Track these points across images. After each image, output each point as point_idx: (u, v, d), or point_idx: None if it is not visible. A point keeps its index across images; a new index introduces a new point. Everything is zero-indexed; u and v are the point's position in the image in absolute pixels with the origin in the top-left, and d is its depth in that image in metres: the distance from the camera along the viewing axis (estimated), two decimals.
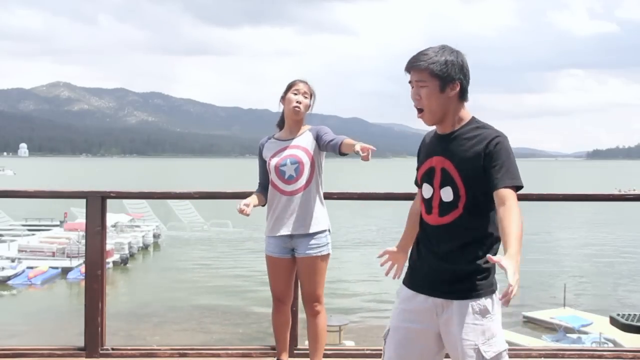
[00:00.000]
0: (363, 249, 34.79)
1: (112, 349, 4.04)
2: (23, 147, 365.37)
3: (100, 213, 4.03)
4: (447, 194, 2.29)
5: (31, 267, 29.28)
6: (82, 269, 17.55)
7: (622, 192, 4.83)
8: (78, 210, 35.23)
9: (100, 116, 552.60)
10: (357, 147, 3.12)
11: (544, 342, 18.57)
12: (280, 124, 3.62)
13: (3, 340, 15.99)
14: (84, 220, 4.21)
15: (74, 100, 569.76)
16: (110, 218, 29.77)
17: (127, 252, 32.98)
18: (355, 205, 44.36)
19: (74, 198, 5.57)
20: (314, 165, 3.51)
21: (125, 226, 38.01)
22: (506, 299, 2.03)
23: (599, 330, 18.28)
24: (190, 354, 4.02)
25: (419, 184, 2.45)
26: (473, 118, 2.35)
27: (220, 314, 21.86)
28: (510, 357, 4.08)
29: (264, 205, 3.60)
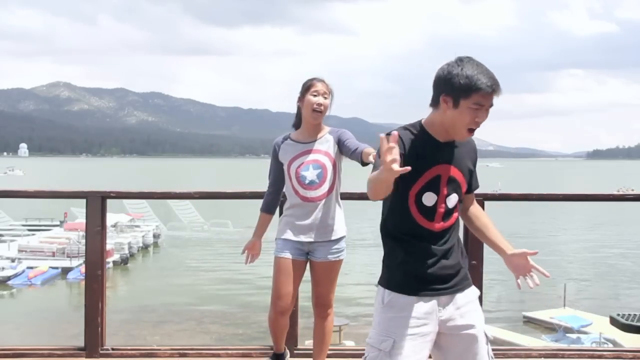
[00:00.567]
0: (363, 250, 34.79)
1: (112, 349, 4.04)
2: (23, 147, 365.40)
3: (100, 213, 4.03)
4: (452, 201, 2.35)
5: (31, 267, 29.31)
6: (82, 269, 17.55)
7: (622, 192, 4.83)
8: (78, 210, 35.22)
9: (100, 116, 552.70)
10: (370, 158, 3.05)
11: (544, 342, 18.57)
12: (297, 124, 3.48)
13: (3, 340, 15.98)
14: (84, 220, 4.21)
15: (74, 100, 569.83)
16: (110, 218, 29.76)
17: (127, 252, 32.99)
18: (356, 206, 44.34)
19: (74, 198, 5.58)
20: (336, 170, 3.42)
21: (125, 226, 38.02)
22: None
23: (599, 330, 18.28)
24: (190, 354, 4.02)
25: (410, 194, 2.33)
26: None
27: (220, 314, 21.87)
28: (510, 357, 4.11)
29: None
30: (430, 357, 2.39)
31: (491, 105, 2.27)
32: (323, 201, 3.38)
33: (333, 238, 3.44)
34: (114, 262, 30.69)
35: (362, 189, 4.00)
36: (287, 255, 3.40)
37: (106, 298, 4.11)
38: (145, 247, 36.62)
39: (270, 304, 3.48)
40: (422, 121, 2.35)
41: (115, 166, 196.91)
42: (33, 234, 36.80)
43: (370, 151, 3.15)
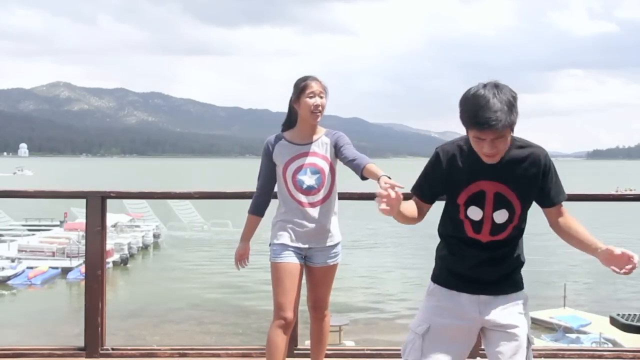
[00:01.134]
0: (363, 250, 34.80)
1: (112, 349, 4.05)
2: (23, 147, 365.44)
3: (100, 213, 4.04)
4: (501, 216, 2.43)
5: (31, 267, 29.30)
6: (82, 269, 17.56)
7: (620, 192, 4.84)
8: (78, 210, 35.23)
9: (100, 116, 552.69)
10: (382, 183, 2.77)
11: (543, 341, 18.58)
12: (289, 124, 3.37)
13: (3, 340, 15.99)
14: (84, 220, 4.22)
15: (74, 100, 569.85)
16: (110, 218, 29.77)
17: (126, 252, 32.99)
18: (356, 206, 44.31)
19: (74, 198, 5.58)
20: (333, 174, 3.34)
21: (125, 226, 38.03)
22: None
23: (599, 330, 18.28)
24: (190, 354, 4.02)
25: (459, 204, 2.45)
26: (513, 137, 2.38)
27: (220, 314, 21.87)
28: None
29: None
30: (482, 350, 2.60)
31: (497, 137, 2.28)
32: (321, 206, 3.28)
33: (331, 244, 3.35)
34: (114, 263, 30.69)
35: (362, 189, 4.01)
36: (289, 260, 3.26)
37: (106, 298, 4.11)
38: (145, 247, 36.62)
39: (274, 316, 3.29)
40: None
41: (115, 166, 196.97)
42: (33, 234, 36.80)
43: (374, 170, 3.07)
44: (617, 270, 2.36)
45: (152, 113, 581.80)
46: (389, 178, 2.87)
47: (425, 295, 2.58)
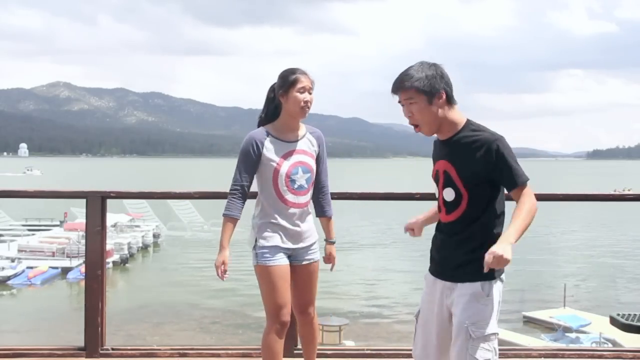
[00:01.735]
0: (363, 250, 34.80)
1: (112, 349, 4.05)
2: (23, 147, 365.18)
3: (100, 213, 4.04)
4: (448, 194, 2.56)
5: (31, 267, 29.32)
6: (82, 269, 17.55)
7: (618, 192, 4.84)
8: (78, 210, 35.23)
9: (100, 116, 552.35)
10: (326, 249, 3.30)
11: (543, 341, 18.58)
12: (270, 118, 3.22)
13: (3, 340, 16.00)
14: (84, 220, 4.22)
15: (73, 100, 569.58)
16: (110, 218, 29.77)
17: (126, 252, 32.99)
18: (356, 206, 44.35)
19: (74, 198, 5.58)
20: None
21: (125, 226, 38.04)
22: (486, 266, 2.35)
23: (599, 330, 18.28)
24: (190, 354, 4.02)
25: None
26: (468, 121, 2.56)
27: (220, 314, 21.87)
28: (510, 357, 4.11)
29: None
30: None
31: (408, 99, 2.52)
32: (307, 207, 3.24)
33: (313, 241, 3.29)
34: (114, 263, 30.70)
35: (362, 189, 4.00)
36: (281, 262, 3.16)
37: (106, 298, 4.11)
38: (144, 247, 36.63)
39: (270, 321, 3.20)
40: None
41: (115, 166, 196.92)
42: (33, 234, 36.82)
43: (330, 227, 3.38)
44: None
45: (152, 113, 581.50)
46: (333, 243, 3.40)
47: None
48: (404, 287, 25.36)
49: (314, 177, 3.22)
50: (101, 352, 4.01)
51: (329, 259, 3.40)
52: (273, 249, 3.15)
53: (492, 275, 2.52)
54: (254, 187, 3.24)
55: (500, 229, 2.56)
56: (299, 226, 3.19)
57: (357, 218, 43.89)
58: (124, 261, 32.31)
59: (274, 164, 3.12)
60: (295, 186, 3.14)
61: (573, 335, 19.47)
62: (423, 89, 2.48)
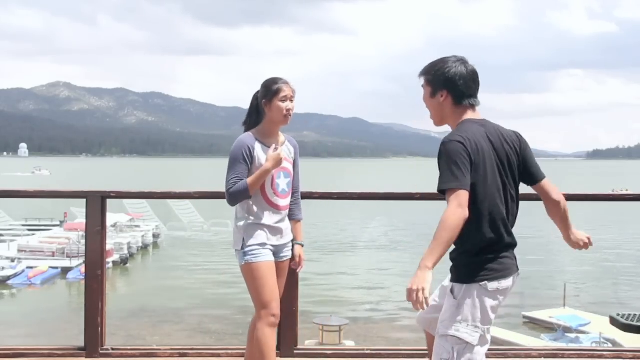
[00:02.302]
0: (363, 251, 34.81)
1: (112, 349, 4.05)
2: (23, 147, 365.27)
3: (100, 213, 4.04)
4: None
5: (31, 267, 29.30)
6: (82, 269, 17.55)
7: (616, 192, 4.84)
8: (78, 210, 35.23)
9: (100, 116, 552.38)
10: (295, 250, 3.48)
11: (543, 341, 18.58)
12: (254, 124, 3.38)
13: (3, 340, 15.99)
14: (84, 220, 4.22)
15: (73, 100, 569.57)
16: (110, 218, 29.78)
17: (126, 252, 32.99)
18: (356, 206, 44.34)
19: (74, 198, 5.58)
20: None
21: (125, 226, 38.04)
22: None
23: (599, 330, 18.28)
24: (190, 354, 4.02)
25: None
26: (462, 122, 2.61)
27: (220, 313, 21.86)
28: (510, 357, 4.12)
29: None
30: None
31: (422, 85, 2.70)
32: (288, 209, 3.43)
33: (290, 239, 3.47)
34: (114, 262, 30.70)
35: (361, 189, 3.99)
36: (268, 258, 3.29)
37: (106, 298, 4.11)
38: (144, 247, 36.63)
39: (262, 316, 3.27)
40: None
41: (115, 166, 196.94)
42: (33, 234, 36.81)
43: (299, 229, 3.49)
44: None
45: (152, 113, 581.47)
46: (302, 246, 3.51)
47: None
48: (404, 288, 25.32)
49: (293, 182, 3.43)
50: (101, 352, 4.01)
51: (297, 260, 3.53)
52: (260, 247, 3.29)
53: (464, 279, 2.54)
54: None
55: (487, 230, 2.54)
56: (281, 227, 3.37)
57: (357, 218, 43.89)
58: (124, 261, 32.30)
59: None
60: (280, 190, 3.34)
61: (573, 335, 19.46)
62: (429, 81, 2.64)
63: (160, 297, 24.08)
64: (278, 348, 4.07)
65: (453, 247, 2.54)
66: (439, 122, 2.70)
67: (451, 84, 2.58)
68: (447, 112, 2.63)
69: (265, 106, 3.31)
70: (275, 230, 3.33)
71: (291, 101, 3.32)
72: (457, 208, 2.39)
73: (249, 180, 3.22)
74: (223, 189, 3.33)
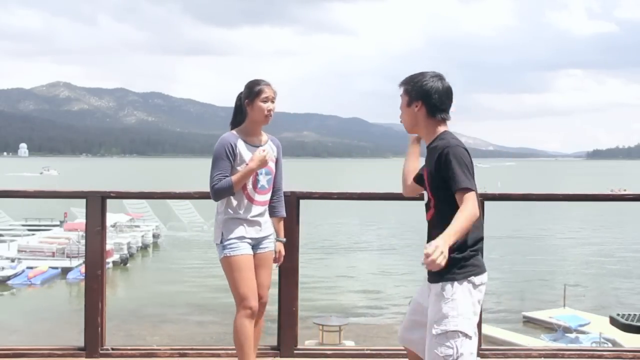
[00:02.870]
0: (363, 251, 34.82)
1: (112, 349, 4.05)
2: (23, 147, 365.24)
3: (100, 213, 4.04)
4: (425, 197, 2.84)
5: (31, 267, 29.32)
6: (82, 269, 17.55)
7: (614, 192, 4.85)
8: (78, 210, 35.25)
9: (100, 116, 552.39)
10: (276, 247, 3.60)
11: (543, 341, 18.58)
12: (237, 123, 3.54)
13: (3, 340, 16.00)
14: (84, 220, 4.22)
15: (73, 100, 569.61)
16: (110, 218, 29.78)
17: (126, 252, 33.00)
18: (356, 206, 44.35)
19: (74, 198, 5.58)
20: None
21: (125, 226, 38.05)
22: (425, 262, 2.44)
23: (599, 330, 18.29)
24: (190, 354, 4.02)
25: None
26: (443, 132, 2.81)
27: (220, 313, 21.86)
28: (510, 357, 4.12)
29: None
30: None
31: (400, 94, 2.90)
32: (267, 206, 3.56)
33: (270, 233, 3.60)
34: (114, 263, 30.71)
35: (363, 189, 4.00)
36: (245, 252, 3.44)
37: (106, 298, 4.11)
38: (144, 247, 36.64)
39: (240, 308, 3.42)
40: None
41: (115, 166, 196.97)
42: (33, 234, 36.84)
43: (281, 227, 3.63)
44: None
45: (152, 113, 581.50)
46: (283, 242, 3.63)
47: None
48: (404, 288, 25.39)
49: (273, 179, 3.57)
50: (101, 352, 4.01)
51: (277, 256, 3.65)
52: (239, 240, 3.44)
53: (454, 277, 2.67)
54: None
55: (477, 231, 2.72)
56: (259, 222, 3.51)
57: (357, 218, 43.91)
58: (124, 261, 32.31)
59: (245, 165, 3.43)
60: (259, 186, 3.49)
61: (573, 335, 19.48)
62: (407, 91, 2.84)
63: (160, 297, 24.10)
64: (278, 348, 4.08)
65: None
66: (409, 130, 2.92)
67: (426, 97, 2.79)
68: (420, 122, 2.84)
69: (248, 106, 3.47)
70: (253, 223, 3.48)
71: (272, 102, 3.48)
72: (477, 207, 2.61)
73: (234, 178, 3.38)
74: None
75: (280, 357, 4.05)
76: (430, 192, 2.78)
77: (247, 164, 3.39)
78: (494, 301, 23.15)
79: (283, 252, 3.66)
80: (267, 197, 3.54)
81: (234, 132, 3.50)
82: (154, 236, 38.55)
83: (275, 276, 4.13)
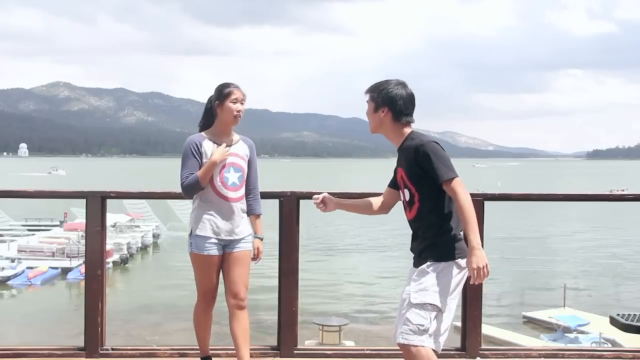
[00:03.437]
0: (363, 252, 34.81)
1: (112, 349, 4.05)
2: (23, 147, 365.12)
3: (100, 213, 4.04)
4: (406, 195, 3.03)
5: (31, 267, 29.30)
6: (82, 269, 17.55)
7: (614, 192, 4.87)
8: (78, 210, 35.23)
9: (100, 116, 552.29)
10: (254, 243, 3.70)
11: (543, 341, 18.58)
12: (206, 125, 3.67)
13: (3, 340, 16.00)
14: (84, 220, 4.22)
15: (73, 100, 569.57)
16: (110, 218, 29.78)
17: (125, 252, 32.98)
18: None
19: (74, 198, 5.58)
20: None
21: (125, 226, 38.03)
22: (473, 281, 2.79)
23: (599, 330, 18.28)
24: (190, 354, 4.02)
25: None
26: (411, 133, 3.05)
27: (220, 314, 21.83)
28: (510, 357, 4.12)
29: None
30: None
31: (366, 100, 3.13)
32: (241, 202, 3.63)
33: (245, 235, 3.66)
34: (114, 263, 30.69)
35: (360, 189, 4.00)
36: (210, 252, 3.57)
37: (106, 298, 4.11)
38: (144, 247, 36.62)
39: (199, 300, 3.69)
40: None
41: (115, 166, 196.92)
42: (33, 234, 36.81)
43: (258, 224, 3.73)
44: None
45: (152, 113, 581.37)
46: (261, 240, 3.73)
47: None
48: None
49: (245, 176, 3.66)
50: (101, 352, 4.01)
51: (256, 253, 3.73)
52: (205, 239, 3.56)
53: (442, 258, 2.90)
54: None
55: (456, 217, 2.91)
56: (232, 219, 3.58)
57: (358, 219, 43.86)
58: (124, 261, 32.30)
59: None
60: (229, 183, 3.58)
61: (572, 335, 19.46)
62: (373, 98, 3.05)
63: (160, 297, 24.07)
64: (278, 348, 4.08)
65: (425, 237, 2.95)
66: (373, 132, 3.15)
67: (392, 103, 3.01)
68: (386, 126, 3.07)
69: (218, 107, 3.60)
70: (227, 222, 3.57)
71: (241, 103, 3.61)
72: (466, 192, 2.85)
73: (199, 173, 3.51)
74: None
75: (280, 357, 4.05)
76: (414, 187, 2.95)
77: (213, 152, 3.53)
78: (494, 301, 23.14)
79: (262, 249, 3.74)
80: (239, 194, 3.62)
81: (201, 133, 3.63)
82: (154, 236, 38.53)
83: (275, 276, 4.14)
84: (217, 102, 3.61)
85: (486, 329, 14.24)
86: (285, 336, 4.05)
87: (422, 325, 2.82)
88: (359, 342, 16.59)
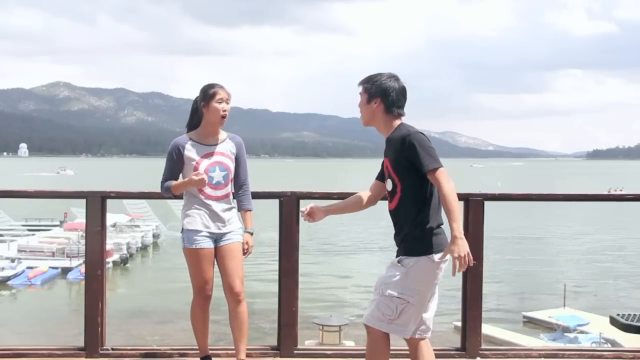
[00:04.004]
0: (363, 252, 34.80)
1: (112, 349, 4.05)
2: (23, 147, 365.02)
3: (100, 213, 4.04)
4: (389, 185, 3.08)
5: (31, 267, 29.29)
6: (82, 269, 17.55)
7: (611, 192, 4.87)
8: (78, 210, 35.22)
9: (100, 116, 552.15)
10: (244, 237, 3.74)
11: (543, 341, 18.57)
12: (193, 125, 3.72)
13: (3, 340, 15.99)
14: (84, 220, 4.22)
15: (73, 100, 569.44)
16: (110, 218, 29.76)
17: (125, 252, 32.96)
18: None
19: (74, 198, 5.58)
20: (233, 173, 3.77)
21: (125, 226, 38.01)
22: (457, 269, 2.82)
23: (599, 330, 18.27)
24: (190, 354, 4.02)
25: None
26: (400, 124, 3.10)
27: (220, 314, 21.81)
28: (510, 357, 4.12)
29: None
30: None
31: (359, 92, 3.19)
32: (227, 199, 3.69)
33: (235, 228, 3.73)
34: (114, 263, 30.68)
35: (359, 188, 4.01)
36: (202, 245, 3.63)
37: (106, 298, 4.11)
38: (144, 247, 36.60)
39: (195, 295, 3.72)
40: None
41: (115, 166, 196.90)
42: (33, 234, 36.79)
43: (248, 218, 3.76)
44: None
45: (152, 113, 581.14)
46: (251, 234, 3.76)
47: None
48: None
49: (232, 175, 3.71)
50: (101, 352, 4.01)
51: (247, 247, 3.78)
52: (195, 232, 3.63)
53: (415, 252, 2.94)
54: None
55: (435, 212, 2.98)
56: (219, 215, 3.64)
57: (358, 219, 43.87)
58: (124, 261, 32.29)
59: (194, 163, 3.63)
60: (214, 182, 3.64)
61: (572, 335, 19.46)
62: (367, 89, 3.10)
63: (160, 297, 24.07)
64: (278, 348, 4.08)
65: (404, 230, 2.99)
66: (366, 124, 3.18)
67: (384, 94, 3.07)
68: (378, 118, 3.11)
69: (204, 108, 3.65)
70: (215, 218, 3.65)
71: (227, 103, 3.67)
72: (450, 181, 2.89)
73: (174, 183, 3.64)
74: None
75: (280, 357, 4.05)
76: (397, 177, 3.01)
77: (190, 177, 3.57)
78: (494, 301, 23.14)
79: (251, 243, 3.78)
80: (225, 191, 3.67)
81: (186, 135, 3.70)
82: (154, 236, 38.51)
83: (275, 276, 4.14)
84: (202, 103, 3.65)
85: (486, 329, 14.24)
86: (285, 336, 4.05)
87: (389, 315, 2.93)
88: (359, 342, 16.56)
